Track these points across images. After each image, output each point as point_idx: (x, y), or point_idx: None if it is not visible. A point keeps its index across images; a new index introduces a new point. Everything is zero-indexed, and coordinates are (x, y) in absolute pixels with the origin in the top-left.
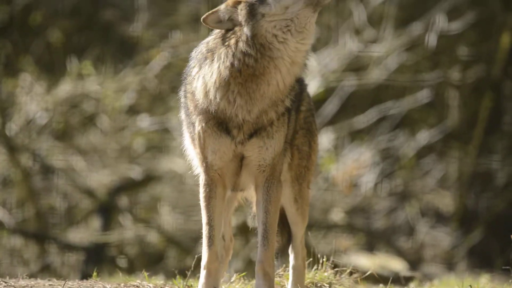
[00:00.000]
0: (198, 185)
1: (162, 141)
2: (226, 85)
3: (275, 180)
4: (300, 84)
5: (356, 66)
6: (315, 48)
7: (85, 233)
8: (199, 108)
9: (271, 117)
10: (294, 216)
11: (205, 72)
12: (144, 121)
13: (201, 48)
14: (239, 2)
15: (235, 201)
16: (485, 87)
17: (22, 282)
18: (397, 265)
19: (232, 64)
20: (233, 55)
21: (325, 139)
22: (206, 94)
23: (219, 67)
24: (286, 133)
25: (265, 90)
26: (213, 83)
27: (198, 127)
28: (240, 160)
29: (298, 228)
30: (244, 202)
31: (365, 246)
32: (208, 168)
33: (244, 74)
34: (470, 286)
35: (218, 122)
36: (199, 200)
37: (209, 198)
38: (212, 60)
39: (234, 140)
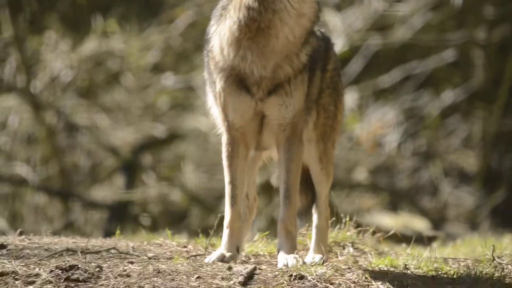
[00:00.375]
0: (221, 144)
1: (186, 100)
2: (237, 42)
3: (296, 140)
4: (326, 43)
5: (380, 25)
6: (340, 7)
7: (108, 191)
8: (218, 66)
9: (288, 72)
10: (319, 175)
11: (220, 30)
12: (169, 80)
13: (218, 5)
14: None
15: (260, 160)
16: (511, 47)
17: (46, 239)
18: (420, 224)
19: (239, 19)
20: (239, 10)
21: (349, 99)
22: (222, 51)
23: (229, 23)
24: (306, 92)
25: (275, 44)
26: (226, 40)
27: (218, 86)
28: (261, 119)
29: (322, 188)
30: (269, 161)
31: (389, 205)
32: (229, 126)
33: (251, 29)
34: (493, 246)
35: (237, 80)
36: (222, 159)
37: (231, 157)
38: (226, 17)
39: (254, 97)
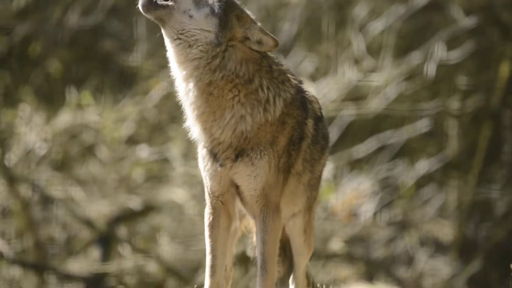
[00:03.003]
0: (197, 215)
1: (162, 171)
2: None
3: (270, 211)
4: (305, 111)
5: (355, 95)
6: (314, 78)
7: (84, 264)
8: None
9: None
10: (301, 246)
11: None
12: (144, 151)
13: None
14: None
15: (239, 230)
16: (484, 117)
17: None
18: None
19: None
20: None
21: (324, 169)
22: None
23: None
24: (276, 163)
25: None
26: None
27: (199, 153)
28: (237, 188)
29: (302, 258)
30: (246, 231)
31: (365, 275)
32: (209, 194)
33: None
34: None
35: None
36: (198, 230)
37: (212, 227)
38: None
39: (218, 162)
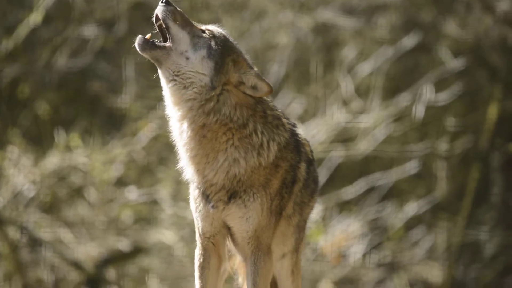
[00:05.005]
0: (186, 256)
1: (151, 213)
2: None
3: (262, 253)
4: (298, 155)
5: (343, 137)
6: (303, 119)
7: None
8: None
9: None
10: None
11: None
12: (132, 193)
13: None
14: None
15: (226, 272)
16: (473, 158)
17: None
18: None
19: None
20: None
21: (313, 210)
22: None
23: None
24: (269, 206)
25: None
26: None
27: (190, 190)
28: (228, 230)
29: None
30: (232, 272)
31: None
32: (200, 235)
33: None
34: None
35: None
36: (188, 271)
37: (202, 268)
38: None
39: (210, 204)
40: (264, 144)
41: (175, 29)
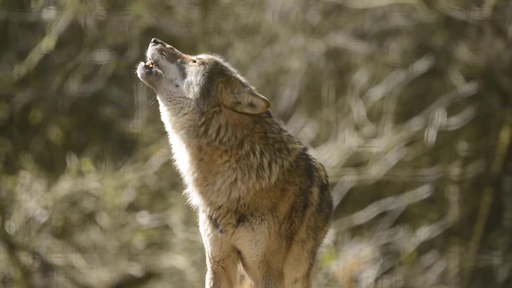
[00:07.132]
0: (198, 281)
1: (162, 238)
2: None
3: (273, 277)
4: (310, 179)
5: (355, 161)
6: (315, 144)
7: None
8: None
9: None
10: None
11: None
12: (144, 218)
13: None
14: None
15: None
16: (485, 183)
17: None
18: None
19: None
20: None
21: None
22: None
23: None
24: (277, 229)
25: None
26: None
27: (200, 218)
28: (239, 254)
29: None
30: None
31: None
32: (210, 259)
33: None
34: None
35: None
36: None
37: None
38: None
39: (218, 229)
40: (264, 165)
41: (163, 62)
